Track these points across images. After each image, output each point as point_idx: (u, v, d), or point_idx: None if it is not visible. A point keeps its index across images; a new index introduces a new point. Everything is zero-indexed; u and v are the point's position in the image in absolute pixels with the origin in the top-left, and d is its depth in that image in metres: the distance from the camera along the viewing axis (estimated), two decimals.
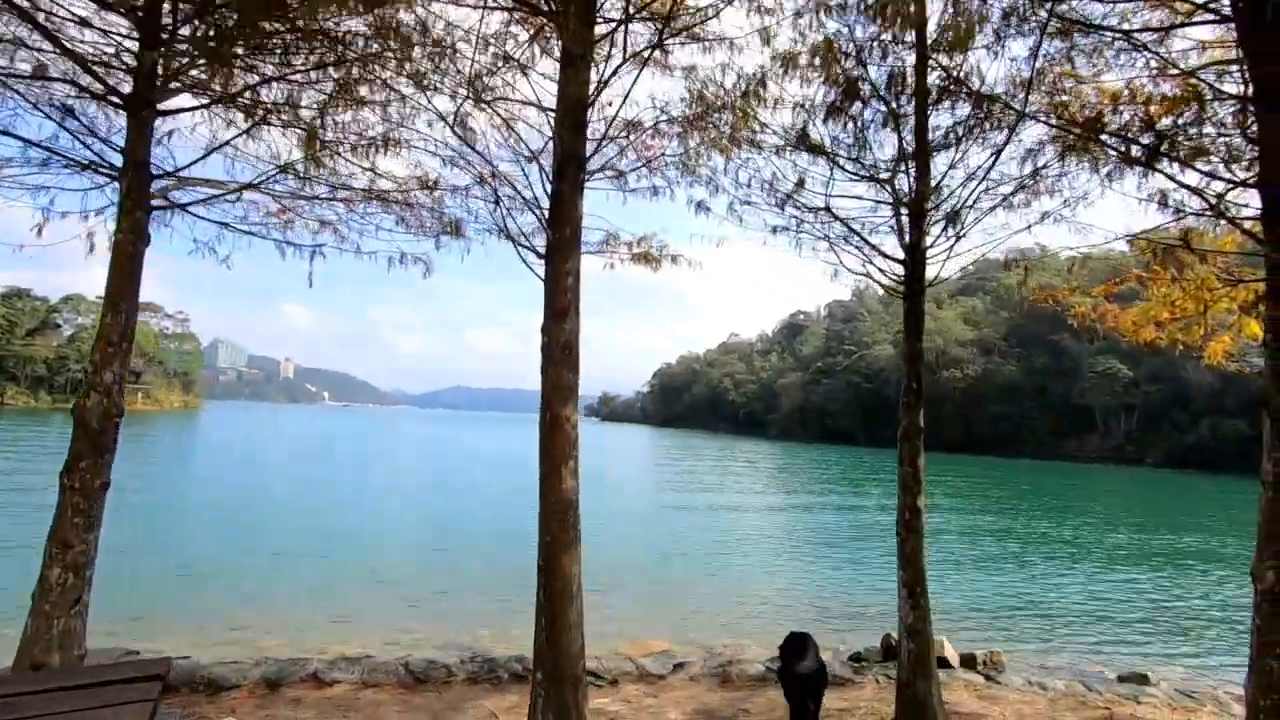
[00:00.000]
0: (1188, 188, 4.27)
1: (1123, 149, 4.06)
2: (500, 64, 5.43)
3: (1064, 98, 4.29)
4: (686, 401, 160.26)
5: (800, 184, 5.95)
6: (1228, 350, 7.88)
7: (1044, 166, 5.24)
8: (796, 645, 4.77)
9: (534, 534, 4.92)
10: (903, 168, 5.97)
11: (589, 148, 5.48)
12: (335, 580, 12.39)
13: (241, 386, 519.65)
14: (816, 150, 5.54)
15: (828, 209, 6.48)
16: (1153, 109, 3.95)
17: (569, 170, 5.19)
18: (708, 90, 5.83)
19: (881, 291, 6.98)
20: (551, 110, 5.34)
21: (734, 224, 6.56)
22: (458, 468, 38.90)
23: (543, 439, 4.98)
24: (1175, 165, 4.12)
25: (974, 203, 5.76)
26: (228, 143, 4.91)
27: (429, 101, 5.37)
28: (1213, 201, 4.36)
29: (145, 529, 16.11)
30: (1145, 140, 3.91)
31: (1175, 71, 4.23)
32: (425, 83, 5.28)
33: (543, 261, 5.17)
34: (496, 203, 5.52)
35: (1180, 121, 4.03)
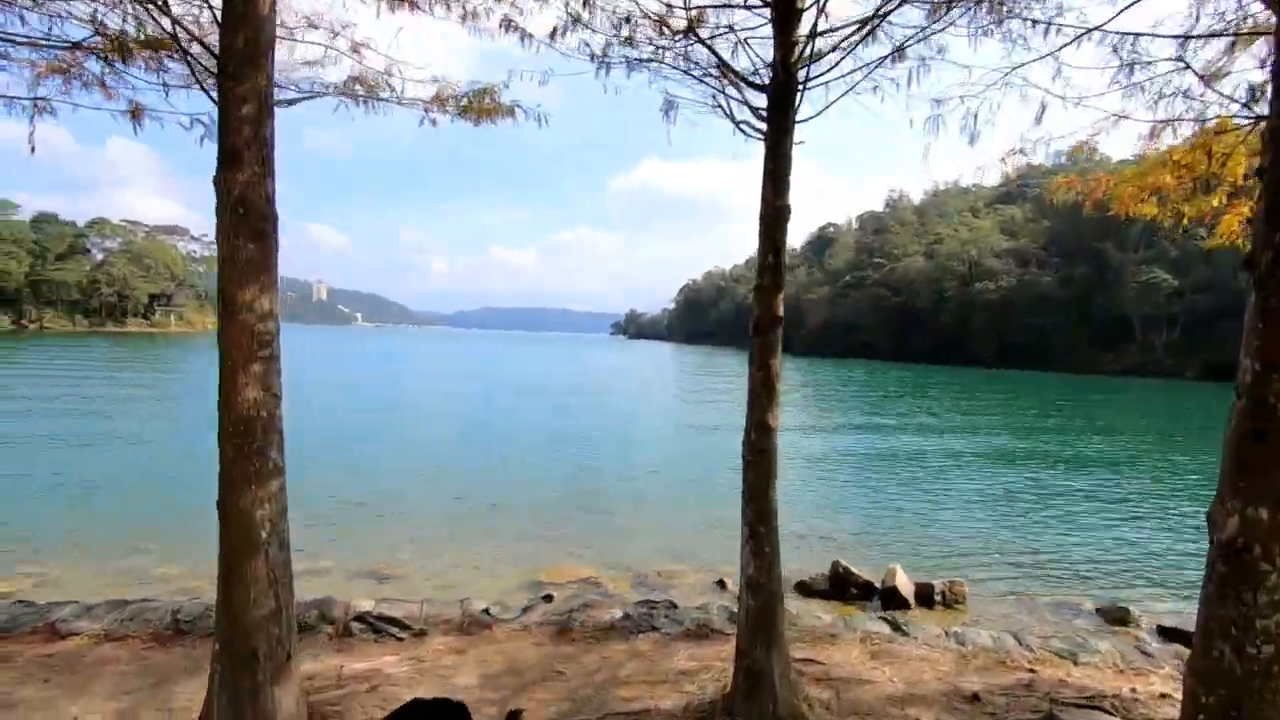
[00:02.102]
0: None
1: None
2: None
3: None
4: (713, 318, 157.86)
5: None
6: (1248, 219, 5.93)
7: None
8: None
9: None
10: None
11: None
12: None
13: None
14: None
15: (691, 30, 4.80)
16: None
17: None
18: None
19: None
20: None
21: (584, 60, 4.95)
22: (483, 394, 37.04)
23: (220, 331, 3.63)
24: None
25: None
26: None
27: None
28: None
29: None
30: None
31: None
32: None
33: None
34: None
35: None
